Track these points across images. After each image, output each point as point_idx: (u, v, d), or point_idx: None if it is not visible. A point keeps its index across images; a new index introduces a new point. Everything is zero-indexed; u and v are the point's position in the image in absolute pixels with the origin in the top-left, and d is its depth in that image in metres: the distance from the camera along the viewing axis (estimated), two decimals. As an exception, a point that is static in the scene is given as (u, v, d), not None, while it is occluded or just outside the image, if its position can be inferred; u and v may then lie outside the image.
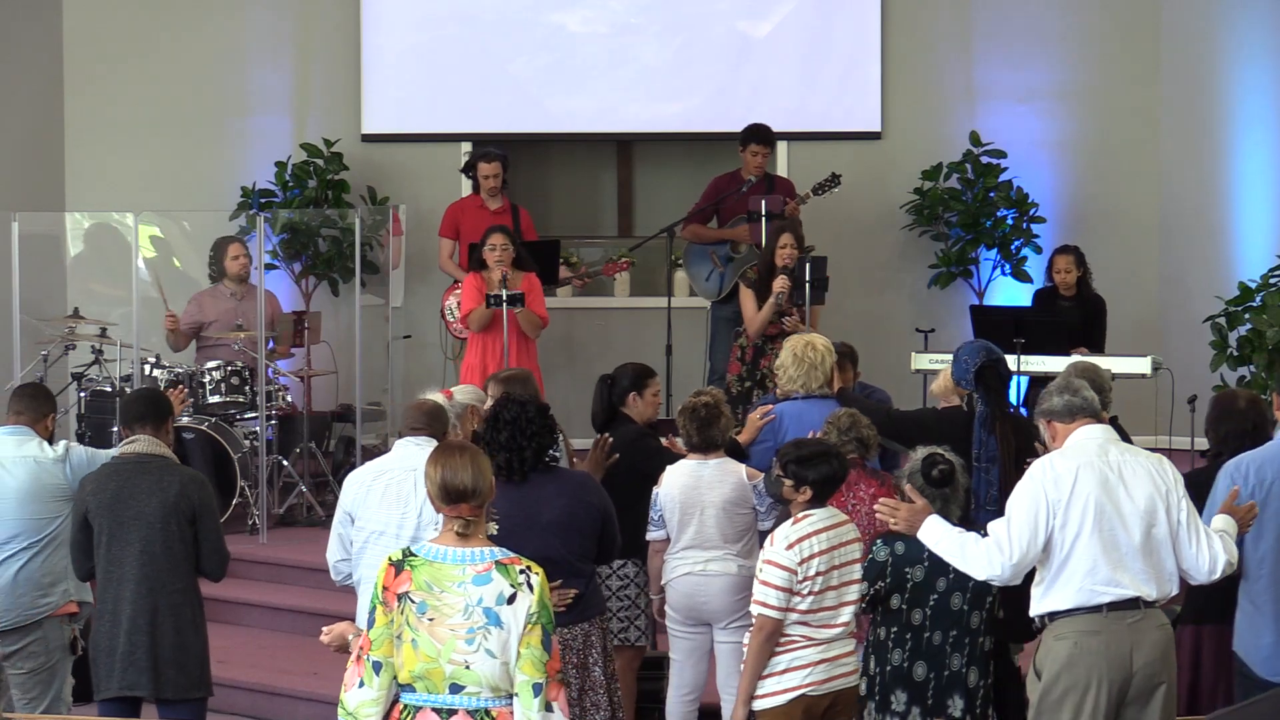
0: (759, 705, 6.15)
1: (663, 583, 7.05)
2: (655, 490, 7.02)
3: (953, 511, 6.23)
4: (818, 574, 6.07)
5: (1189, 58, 11.93)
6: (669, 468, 7.08)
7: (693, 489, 6.96)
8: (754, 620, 6.12)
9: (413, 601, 4.66)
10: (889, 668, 6.31)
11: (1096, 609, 5.56)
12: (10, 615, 6.85)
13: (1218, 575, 5.67)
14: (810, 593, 6.09)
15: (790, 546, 6.07)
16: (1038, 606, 5.69)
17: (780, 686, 6.12)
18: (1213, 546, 5.64)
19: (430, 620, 4.64)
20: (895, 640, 6.31)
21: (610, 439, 7.13)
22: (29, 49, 12.09)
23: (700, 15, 12.22)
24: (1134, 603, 5.57)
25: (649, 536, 7.06)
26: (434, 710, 4.68)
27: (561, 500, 6.19)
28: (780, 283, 9.56)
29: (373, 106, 12.25)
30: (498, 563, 4.69)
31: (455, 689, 4.66)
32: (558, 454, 6.46)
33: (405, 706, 4.71)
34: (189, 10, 12.26)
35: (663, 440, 7.53)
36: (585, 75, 12.27)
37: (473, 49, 12.20)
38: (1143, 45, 12.12)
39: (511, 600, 4.65)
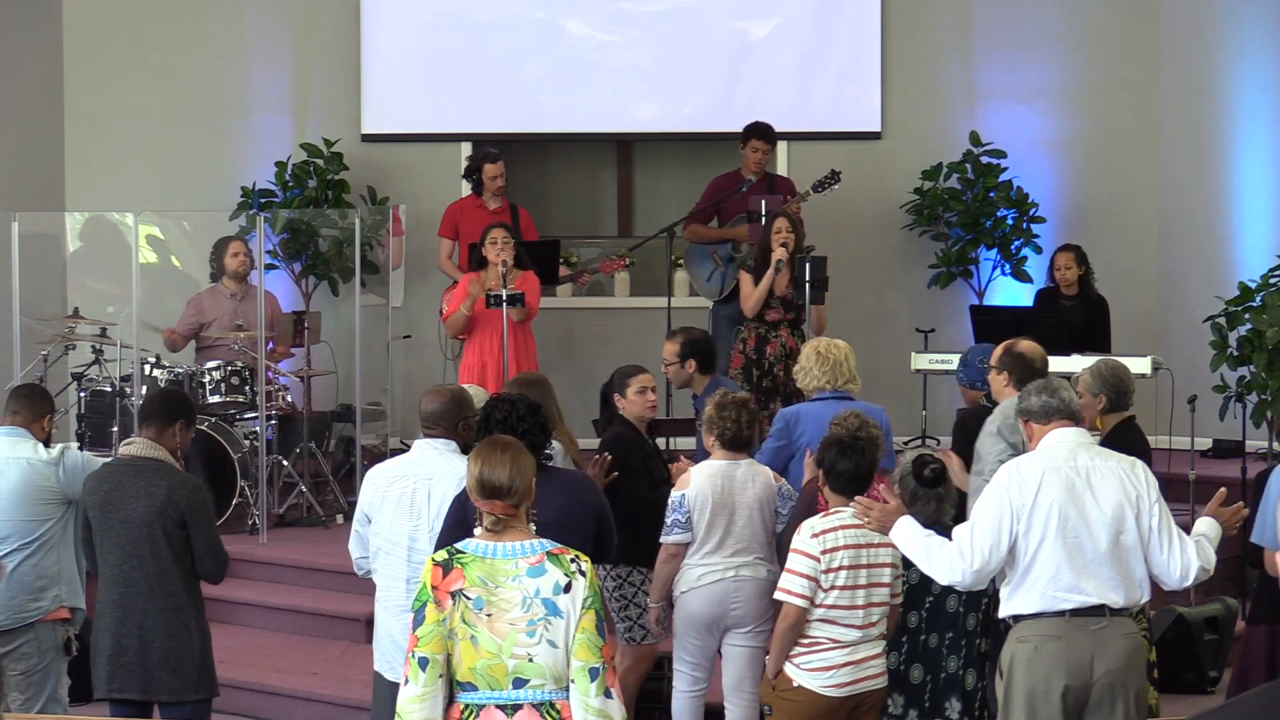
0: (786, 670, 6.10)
1: (683, 590, 6.79)
2: (678, 493, 6.79)
3: (946, 510, 6.24)
4: (841, 568, 6.00)
5: (1189, 58, 11.92)
6: (693, 469, 6.88)
7: (726, 490, 6.75)
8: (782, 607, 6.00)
9: (468, 598, 4.60)
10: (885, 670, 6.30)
11: (1059, 614, 5.52)
12: (1, 617, 6.78)
13: (1190, 581, 5.60)
14: (834, 587, 6.01)
15: (815, 536, 6.02)
16: (1004, 608, 5.68)
17: (802, 679, 6.05)
18: (1185, 552, 5.56)
19: (489, 616, 4.59)
20: (891, 643, 6.30)
21: (610, 457, 7.06)
22: (29, 49, 12.08)
23: (700, 15, 12.21)
24: (1098, 610, 5.52)
25: (667, 539, 6.80)
26: (498, 707, 4.61)
27: (558, 500, 6.13)
28: (779, 251, 9.62)
29: (373, 106, 12.24)
30: (549, 553, 4.66)
31: (519, 684, 4.60)
32: (552, 453, 6.43)
33: (466, 706, 4.63)
34: (189, 10, 12.26)
35: (659, 442, 7.50)
36: (585, 75, 12.25)
37: (473, 49, 12.19)
38: (1143, 45, 12.11)
39: (568, 589, 4.61)
